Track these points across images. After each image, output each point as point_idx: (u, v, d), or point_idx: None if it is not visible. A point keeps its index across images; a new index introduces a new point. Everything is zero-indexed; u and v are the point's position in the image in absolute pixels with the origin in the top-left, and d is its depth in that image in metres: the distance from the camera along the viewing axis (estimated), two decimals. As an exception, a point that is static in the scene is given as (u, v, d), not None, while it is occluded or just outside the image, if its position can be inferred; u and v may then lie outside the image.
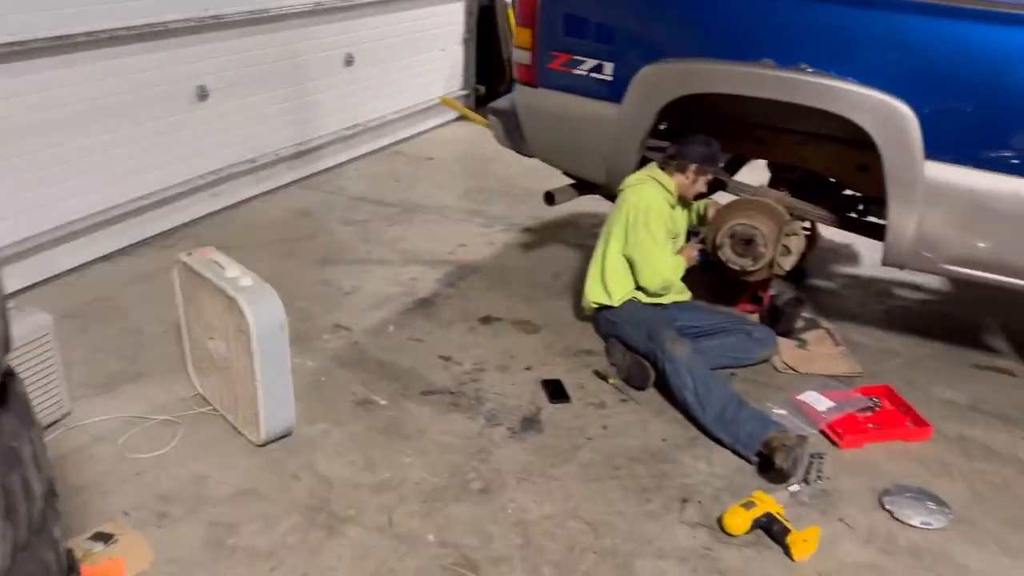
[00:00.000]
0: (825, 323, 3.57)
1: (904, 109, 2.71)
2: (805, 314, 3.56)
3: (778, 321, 3.43)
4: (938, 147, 2.73)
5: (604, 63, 3.23)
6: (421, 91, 6.25)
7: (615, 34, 3.22)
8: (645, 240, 3.15)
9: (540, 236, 4.51)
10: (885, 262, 2.99)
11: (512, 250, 4.33)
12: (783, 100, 2.89)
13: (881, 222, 3.08)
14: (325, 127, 5.32)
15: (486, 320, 3.54)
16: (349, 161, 5.60)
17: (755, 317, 3.56)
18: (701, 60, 3.01)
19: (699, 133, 3.22)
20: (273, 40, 4.79)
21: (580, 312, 3.49)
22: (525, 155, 3.70)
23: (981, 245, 2.79)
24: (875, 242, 3.16)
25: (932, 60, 2.67)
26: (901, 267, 3.00)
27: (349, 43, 5.39)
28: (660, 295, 3.25)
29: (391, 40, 5.81)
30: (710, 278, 3.59)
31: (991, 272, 2.83)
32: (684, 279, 3.33)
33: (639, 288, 3.23)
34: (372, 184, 5.24)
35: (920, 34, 2.67)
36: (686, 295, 3.40)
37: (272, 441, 2.63)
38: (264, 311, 2.42)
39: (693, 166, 3.18)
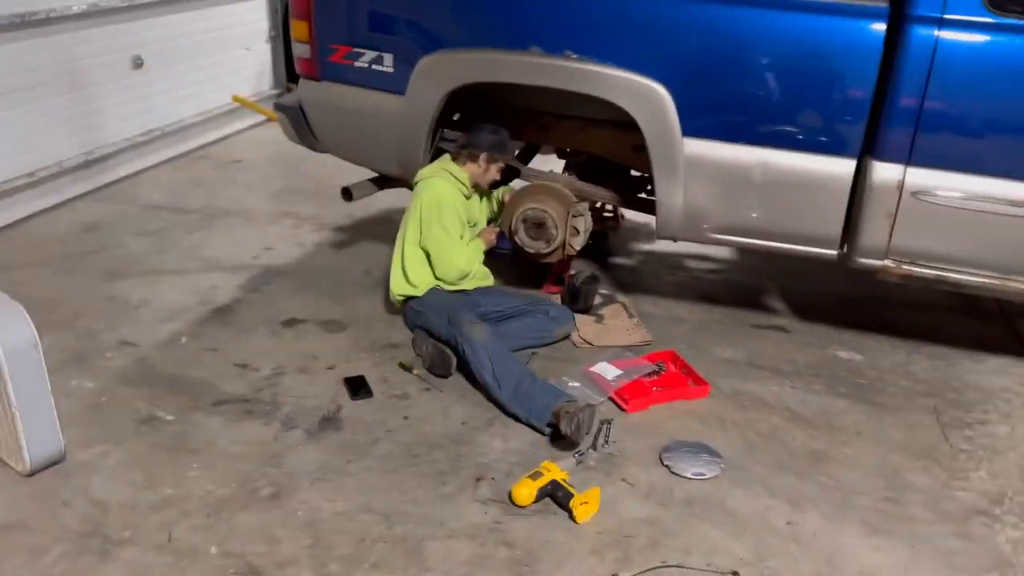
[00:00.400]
0: (621, 298, 3.75)
1: (660, 90, 2.89)
2: (603, 291, 3.72)
3: (576, 299, 3.56)
4: (692, 124, 2.93)
5: (384, 55, 3.23)
6: (226, 92, 6.01)
7: (392, 25, 3.23)
8: (439, 234, 3.18)
9: (352, 234, 4.46)
10: (659, 235, 3.18)
11: (323, 250, 4.25)
12: (553, 87, 3.00)
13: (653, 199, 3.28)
14: (115, 134, 5.01)
15: (290, 323, 3.46)
16: (146, 169, 5.31)
17: (558, 298, 3.69)
18: (475, 50, 3.07)
19: (488, 122, 3.29)
20: (47, 44, 4.45)
21: (391, 307, 3.48)
22: (318, 151, 3.64)
23: (739, 213, 3.01)
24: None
25: (681, 41, 2.85)
26: (674, 239, 3.19)
27: (136, 45, 5.10)
28: (460, 283, 3.30)
29: (186, 40, 5.55)
30: (518, 264, 3.68)
31: (752, 238, 3.07)
32: (489, 264, 3.40)
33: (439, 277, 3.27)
34: (171, 192, 4.98)
35: (668, 16, 2.85)
36: (489, 280, 3.47)
37: (41, 469, 2.45)
38: (12, 333, 2.25)
39: (483, 155, 3.25)
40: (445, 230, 3.19)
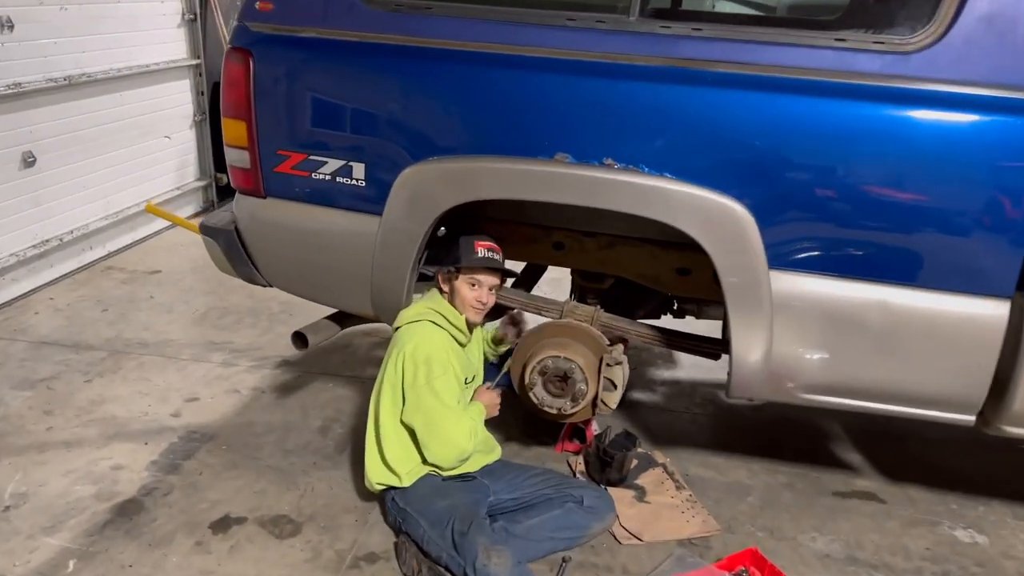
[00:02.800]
0: (660, 456, 2.92)
1: (739, 210, 2.13)
2: (640, 448, 2.89)
3: (608, 467, 2.72)
4: (785, 254, 2.17)
5: (352, 164, 2.40)
6: (140, 188, 5.07)
7: (364, 125, 2.40)
8: (429, 404, 2.32)
9: (302, 371, 3.54)
10: (731, 395, 2.37)
11: (264, 398, 3.31)
12: (586, 206, 2.22)
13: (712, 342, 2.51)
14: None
15: (222, 525, 2.51)
16: (39, 289, 4.30)
17: (580, 462, 2.84)
18: (479, 158, 2.27)
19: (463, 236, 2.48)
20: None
21: (364, 488, 2.57)
22: (259, 285, 2.75)
23: (846, 369, 2.24)
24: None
25: (772, 146, 2.10)
26: (751, 400, 2.39)
27: (26, 139, 4.14)
28: (459, 467, 2.43)
29: (91, 131, 4.61)
30: (520, 406, 2.82)
31: (859, 400, 2.29)
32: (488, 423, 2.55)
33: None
34: (69, 319, 3.98)
35: (743, 113, 2.10)
36: (495, 453, 2.61)
37: None
38: None
39: (440, 275, 2.46)
40: (438, 397, 2.33)
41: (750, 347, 2.26)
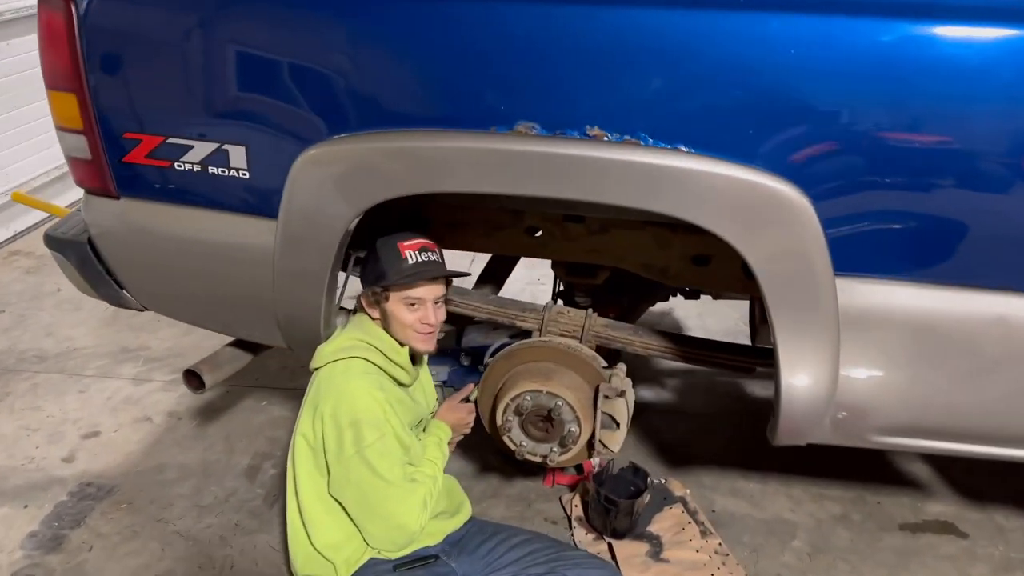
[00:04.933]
0: (678, 486, 2.31)
1: (799, 200, 1.42)
2: (652, 480, 2.26)
3: (610, 514, 2.10)
4: (859, 256, 1.48)
5: (228, 147, 1.67)
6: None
7: (243, 89, 1.64)
8: (361, 478, 1.67)
9: (231, 385, 2.84)
10: (777, 438, 1.72)
11: (181, 428, 2.67)
12: (585, 201, 1.51)
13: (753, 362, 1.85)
14: None
15: (110, 633, 1.90)
16: (-82, 290, 3.60)
17: (576, 503, 2.22)
18: (419, 134, 1.54)
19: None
20: None
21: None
22: (133, 309, 2.05)
23: (944, 405, 1.59)
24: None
25: (840, 94, 1.38)
26: (801, 442, 1.74)
27: None
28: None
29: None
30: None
31: (957, 442, 1.64)
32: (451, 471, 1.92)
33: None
34: (-48, 328, 3.30)
35: (812, 47, 1.37)
36: (461, 513, 1.97)
37: None
38: None
39: (364, 299, 1.78)
40: (374, 471, 1.67)
41: (805, 377, 1.60)
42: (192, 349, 3.09)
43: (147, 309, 2.01)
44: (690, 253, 1.96)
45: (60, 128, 1.78)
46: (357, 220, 1.66)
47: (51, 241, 1.97)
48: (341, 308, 1.94)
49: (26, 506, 2.31)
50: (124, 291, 1.95)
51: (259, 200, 1.70)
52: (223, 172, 1.69)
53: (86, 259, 1.91)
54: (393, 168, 1.57)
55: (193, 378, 2.04)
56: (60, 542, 2.18)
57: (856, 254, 1.48)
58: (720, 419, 2.66)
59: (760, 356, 1.88)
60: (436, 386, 2.15)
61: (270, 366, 2.98)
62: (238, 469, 2.45)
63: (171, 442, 2.59)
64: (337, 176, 1.60)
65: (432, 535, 1.85)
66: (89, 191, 1.85)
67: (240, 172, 1.68)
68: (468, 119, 1.50)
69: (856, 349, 1.57)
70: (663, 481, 2.32)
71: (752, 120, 1.39)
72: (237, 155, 1.67)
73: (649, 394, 2.81)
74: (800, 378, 1.60)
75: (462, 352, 2.27)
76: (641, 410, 2.68)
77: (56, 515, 2.28)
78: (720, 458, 2.46)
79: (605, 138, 1.45)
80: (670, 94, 1.42)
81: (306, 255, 1.72)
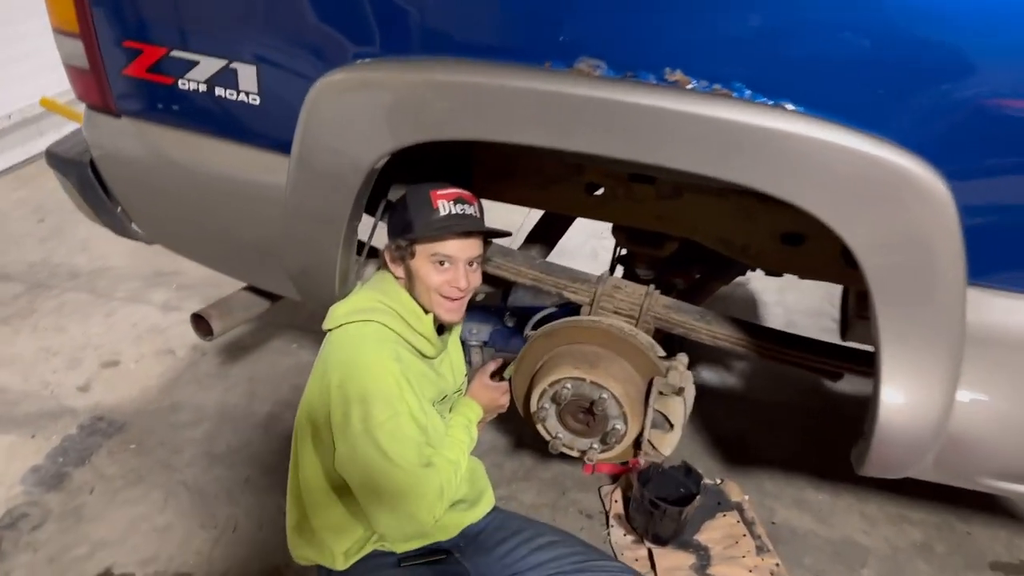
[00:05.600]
0: (735, 491, 2.03)
1: (929, 182, 1.09)
2: (706, 481, 1.99)
3: (653, 518, 1.85)
4: (1002, 260, 1.15)
5: (237, 65, 1.41)
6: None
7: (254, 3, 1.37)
8: (369, 459, 1.43)
9: (261, 323, 2.69)
10: (866, 470, 1.41)
11: (203, 364, 2.51)
12: (626, 159, 1.20)
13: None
14: None
15: (100, 585, 1.77)
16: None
17: (616, 498, 1.98)
18: (463, 64, 1.25)
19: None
20: None
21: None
22: (140, 240, 1.85)
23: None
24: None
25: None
26: (895, 476, 1.43)
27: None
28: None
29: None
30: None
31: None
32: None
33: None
34: (-9, 235, 3.21)
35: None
36: (482, 504, 1.73)
37: None
38: None
39: (387, 253, 1.49)
40: (384, 453, 1.43)
41: (912, 396, 1.28)
42: (228, 280, 2.91)
43: (152, 243, 1.80)
44: (780, 230, 1.64)
45: (57, 30, 1.55)
46: (381, 162, 1.39)
47: (52, 159, 1.77)
48: (370, 257, 1.69)
49: (33, 436, 2.19)
50: (129, 221, 1.74)
51: (271, 130, 1.45)
52: (231, 95, 1.43)
53: (87, 183, 1.70)
54: (411, 107, 1.28)
55: (201, 323, 1.84)
56: (62, 480, 2.05)
57: (1000, 260, 1.14)
58: (791, 412, 2.36)
59: (856, 360, 1.56)
60: (476, 347, 1.91)
61: (303, 308, 2.78)
62: (256, 417, 2.28)
63: (191, 379, 2.43)
64: (361, 107, 1.33)
65: (446, 528, 1.63)
66: (90, 107, 1.63)
67: (250, 96, 1.42)
68: (515, 49, 1.19)
69: (982, 373, 1.24)
70: (718, 482, 2.05)
71: (889, 76, 1.05)
72: (247, 76, 1.40)
73: (710, 375, 2.51)
74: (905, 397, 1.29)
75: (507, 312, 2.01)
76: (699, 394, 2.39)
77: (62, 449, 2.15)
78: (787, 461, 2.16)
79: (689, 85, 1.13)
80: (781, 32, 1.09)
81: (320, 197, 1.46)
